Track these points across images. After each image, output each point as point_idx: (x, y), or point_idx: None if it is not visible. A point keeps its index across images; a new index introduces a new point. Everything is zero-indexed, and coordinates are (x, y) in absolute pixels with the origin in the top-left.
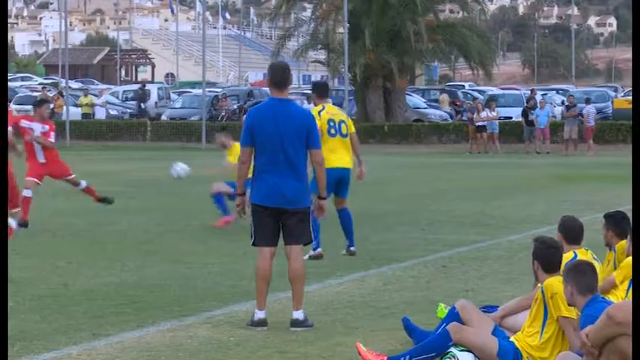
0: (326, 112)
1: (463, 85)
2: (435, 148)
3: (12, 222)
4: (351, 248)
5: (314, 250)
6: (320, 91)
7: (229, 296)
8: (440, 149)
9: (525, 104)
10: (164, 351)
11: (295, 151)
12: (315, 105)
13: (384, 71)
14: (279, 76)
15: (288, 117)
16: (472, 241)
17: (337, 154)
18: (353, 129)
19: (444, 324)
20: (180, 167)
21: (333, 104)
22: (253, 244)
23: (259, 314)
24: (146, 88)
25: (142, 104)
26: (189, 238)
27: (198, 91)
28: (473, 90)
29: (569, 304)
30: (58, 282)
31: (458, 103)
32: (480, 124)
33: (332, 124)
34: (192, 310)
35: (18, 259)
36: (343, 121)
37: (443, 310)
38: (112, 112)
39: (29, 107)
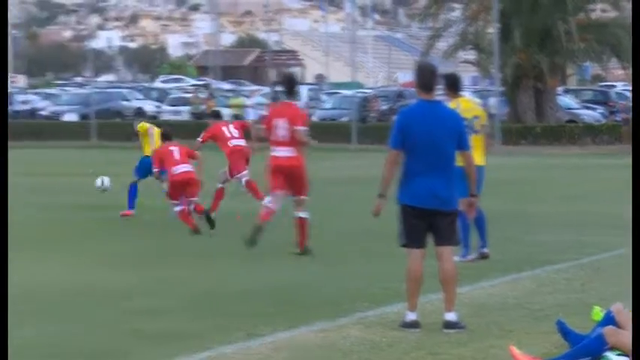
0: (460, 111)
1: (615, 85)
2: (588, 149)
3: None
4: (484, 250)
5: (463, 256)
6: (453, 84)
7: (382, 297)
8: (593, 150)
9: None
10: (316, 351)
11: (447, 153)
12: (450, 99)
13: (534, 71)
14: (426, 79)
15: (439, 119)
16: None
17: None
18: (484, 121)
19: (600, 327)
20: (104, 179)
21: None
22: (403, 245)
23: (411, 315)
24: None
25: None
26: (344, 239)
27: (347, 92)
28: (626, 90)
29: None
30: (213, 281)
31: (611, 104)
32: None
33: (465, 122)
34: (345, 310)
35: (173, 259)
36: (477, 117)
37: (598, 313)
38: (264, 113)
39: (182, 108)
